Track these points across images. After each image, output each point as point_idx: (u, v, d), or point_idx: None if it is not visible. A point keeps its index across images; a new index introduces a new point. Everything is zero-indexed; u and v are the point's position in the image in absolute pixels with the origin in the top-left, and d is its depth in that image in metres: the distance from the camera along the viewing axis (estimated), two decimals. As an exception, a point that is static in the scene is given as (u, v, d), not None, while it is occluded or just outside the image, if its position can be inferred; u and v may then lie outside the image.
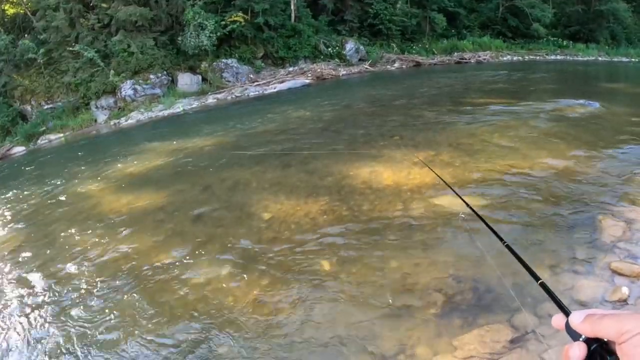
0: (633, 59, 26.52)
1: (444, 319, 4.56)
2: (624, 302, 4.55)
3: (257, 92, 19.06)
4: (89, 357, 4.68)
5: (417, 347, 4.27)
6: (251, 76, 20.73)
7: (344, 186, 7.85)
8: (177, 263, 6.09)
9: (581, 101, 12.47)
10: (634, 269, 4.96)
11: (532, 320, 4.35)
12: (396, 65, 22.88)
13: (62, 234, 7.60)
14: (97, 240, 7.05)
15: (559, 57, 25.97)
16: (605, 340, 0.81)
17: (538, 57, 25.49)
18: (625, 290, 4.63)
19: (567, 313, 0.91)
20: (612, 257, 5.22)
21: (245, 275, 5.67)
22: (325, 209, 7.05)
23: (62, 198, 9.47)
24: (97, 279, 6.01)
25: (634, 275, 4.90)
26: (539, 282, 1.20)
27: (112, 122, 18.63)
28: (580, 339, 0.84)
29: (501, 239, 1.72)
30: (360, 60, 23.29)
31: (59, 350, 4.86)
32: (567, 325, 0.88)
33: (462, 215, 3.99)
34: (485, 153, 8.73)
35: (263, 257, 6.01)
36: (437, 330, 4.44)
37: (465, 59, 23.86)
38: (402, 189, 7.46)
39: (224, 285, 5.54)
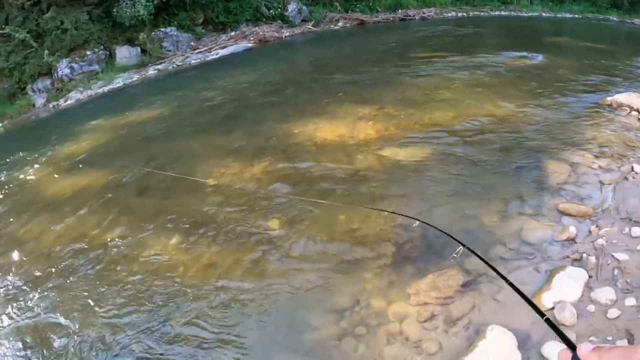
0: (577, 15, 26.97)
1: (396, 269, 4.55)
2: (572, 240, 4.62)
3: (198, 60, 18.48)
4: (44, 345, 4.51)
5: (372, 299, 4.27)
6: (192, 44, 20.02)
7: (289, 145, 7.75)
8: (126, 240, 5.90)
9: (524, 54, 12.59)
10: (580, 209, 5.06)
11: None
12: (340, 24, 22.50)
13: (6, 224, 7.17)
14: (43, 226, 6.68)
15: (503, 12, 26.02)
16: None
17: (482, 13, 25.49)
18: (572, 230, 4.73)
19: (573, 347, 0.92)
20: (558, 199, 5.33)
21: (194, 244, 5.54)
22: (270, 169, 6.94)
23: (4, 189, 8.95)
24: (46, 266, 5.71)
25: (581, 215, 5.00)
26: (544, 318, 1.21)
27: (51, 105, 17.72)
28: None
29: (504, 278, 1.67)
30: (303, 20, 22.73)
31: (10, 339, 4.66)
32: (575, 359, 0.88)
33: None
34: (431, 105, 8.72)
35: (211, 223, 5.87)
36: (389, 280, 4.44)
37: (410, 16, 23.58)
38: (347, 144, 7.42)
39: (174, 256, 5.40)
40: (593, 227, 4.75)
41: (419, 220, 3.20)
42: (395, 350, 3.74)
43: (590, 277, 4.01)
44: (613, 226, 4.67)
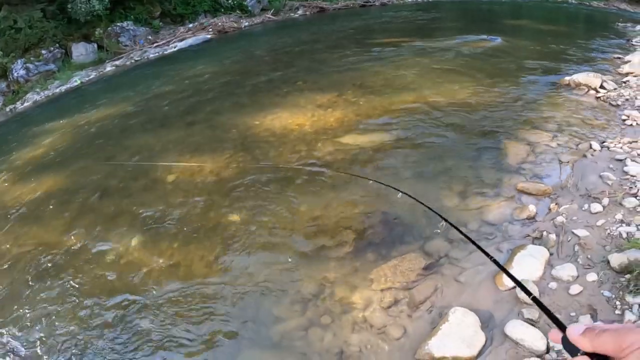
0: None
1: (358, 255, 4.53)
2: (532, 219, 4.66)
3: (157, 54, 18.13)
4: (5, 353, 4.35)
5: (336, 286, 4.24)
6: (150, 37, 19.57)
7: (249, 136, 7.66)
8: (87, 243, 5.73)
9: (484, 36, 12.69)
10: (539, 187, 5.11)
11: (444, 245, 4.36)
12: (300, 12, 22.30)
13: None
14: (2, 234, 6.45)
15: (463, -4, 26.19)
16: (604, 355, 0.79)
17: (443, -3, 25.54)
18: (532, 208, 4.76)
19: (563, 327, 0.90)
20: (518, 178, 5.38)
21: (156, 242, 5.43)
22: (230, 162, 6.85)
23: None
24: (6, 273, 5.54)
25: (540, 193, 5.05)
26: (531, 297, 1.18)
27: (7, 109, 17.12)
28: (580, 354, 0.83)
29: (488, 255, 1.64)
30: (262, 10, 22.36)
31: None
32: (565, 340, 0.87)
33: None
34: (390, 90, 8.73)
35: (172, 220, 5.76)
36: (352, 267, 4.42)
37: (370, 2, 23.40)
38: (306, 132, 7.38)
39: (136, 256, 5.29)
40: (553, 205, 4.80)
41: (401, 191, 3.14)
42: (361, 337, 3.72)
43: (551, 254, 4.04)
44: (572, 203, 4.71)
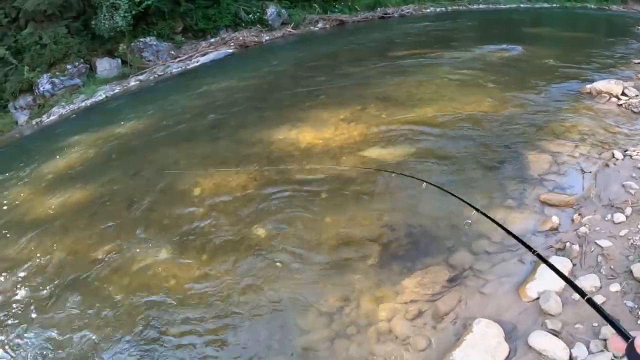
0: (554, 5, 27.05)
1: (383, 268, 4.59)
2: (555, 230, 4.67)
3: (180, 68, 18.37)
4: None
5: (361, 299, 4.30)
6: (172, 52, 19.83)
7: (273, 151, 7.74)
8: (115, 254, 5.85)
9: (504, 46, 12.71)
10: (562, 198, 5.11)
11: (468, 258, 4.41)
12: (319, 25, 22.43)
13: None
14: (32, 245, 6.58)
15: (481, 6, 25.89)
16: None
17: (461, 8, 25.38)
18: (555, 219, 4.77)
19: (627, 337, 0.89)
20: (541, 190, 5.39)
21: (183, 255, 5.54)
22: (255, 176, 6.93)
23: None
24: (37, 284, 5.67)
25: (563, 204, 5.05)
26: (586, 298, 1.24)
27: (34, 122, 17.47)
28: None
29: (531, 250, 1.90)
30: (282, 24, 22.51)
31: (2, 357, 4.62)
32: (631, 349, 0.86)
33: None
34: (412, 102, 8.76)
35: (198, 233, 5.86)
36: (377, 279, 4.47)
37: (389, 14, 23.55)
38: (330, 146, 7.43)
39: (164, 268, 5.39)
40: (576, 216, 4.80)
41: (425, 181, 3.22)
42: (386, 348, 3.78)
43: (574, 265, 4.05)
44: (595, 213, 4.71)
